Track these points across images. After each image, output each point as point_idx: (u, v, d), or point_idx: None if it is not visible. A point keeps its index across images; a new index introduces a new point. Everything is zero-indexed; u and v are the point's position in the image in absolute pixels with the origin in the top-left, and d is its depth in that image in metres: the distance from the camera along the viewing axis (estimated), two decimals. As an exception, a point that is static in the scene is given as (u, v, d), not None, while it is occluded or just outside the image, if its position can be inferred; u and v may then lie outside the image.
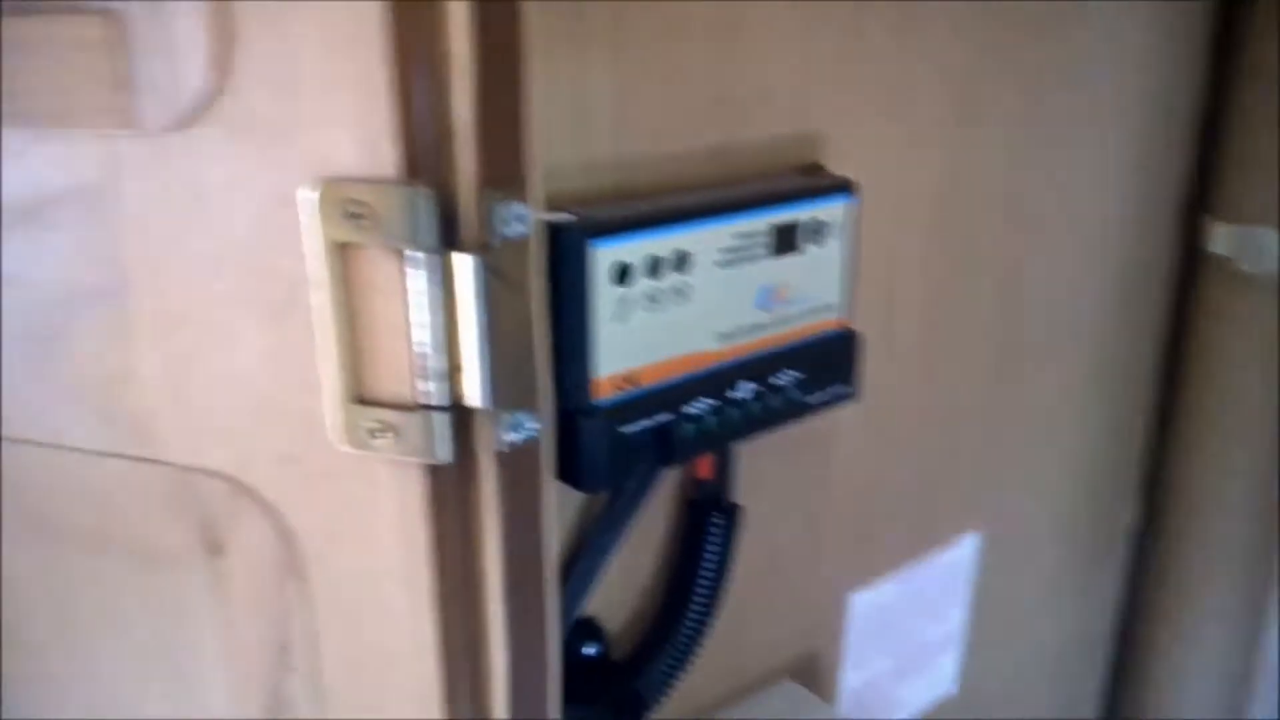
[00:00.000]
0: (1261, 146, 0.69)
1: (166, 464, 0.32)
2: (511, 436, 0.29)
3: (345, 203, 0.27)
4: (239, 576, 0.33)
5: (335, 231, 0.27)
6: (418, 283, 0.27)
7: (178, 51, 0.27)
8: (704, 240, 0.41)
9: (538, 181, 0.28)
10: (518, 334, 0.29)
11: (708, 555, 0.50)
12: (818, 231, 0.45)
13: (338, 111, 0.26)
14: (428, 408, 0.28)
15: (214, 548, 0.33)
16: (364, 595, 0.31)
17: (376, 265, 0.27)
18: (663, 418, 0.41)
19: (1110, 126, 0.67)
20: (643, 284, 0.40)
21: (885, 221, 0.54)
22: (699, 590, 0.50)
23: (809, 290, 0.46)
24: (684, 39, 0.43)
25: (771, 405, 0.45)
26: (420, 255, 0.27)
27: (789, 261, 0.45)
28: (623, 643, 0.50)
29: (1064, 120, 0.63)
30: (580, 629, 0.48)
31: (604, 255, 0.38)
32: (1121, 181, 0.70)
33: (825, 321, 0.47)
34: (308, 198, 0.27)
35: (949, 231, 0.59)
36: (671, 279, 0.41)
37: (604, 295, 0.38)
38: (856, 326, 0.49)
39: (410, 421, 0.28)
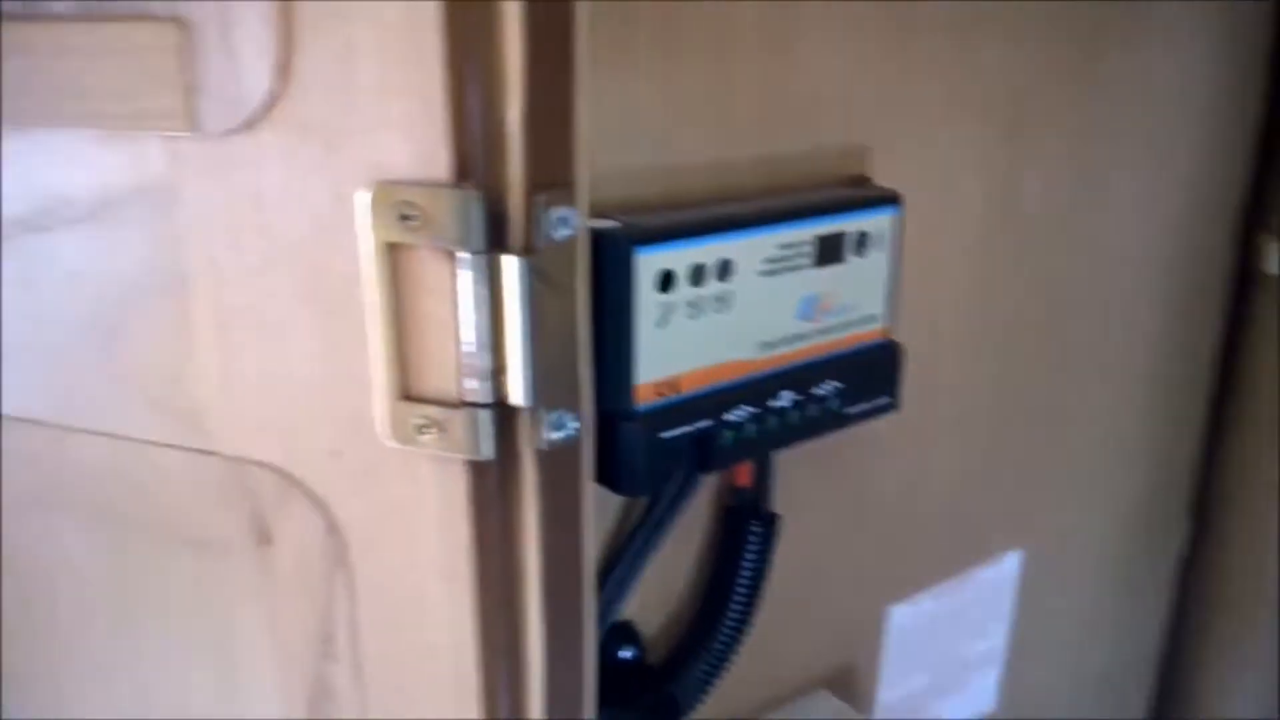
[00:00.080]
0: (1320, 165, 0.68)
1: (219, 455, 0.33)
2: (553, 435, 0.29)
3: (398, 205, 0.27)
4: (286, 566, 0.34)
5: (387, 233, 0.28)
6: (466, 283, 0.28)
7: (241, 57, 0.28)
8: (748, 249, 0.42)
9: (585, 186, 0.29)
10: (562, 335, 0.29)
11: (745, 563, 0.50)
12: (862, 243, 0.46)
13: (393, 116, 0.27)
14: (473, 405, 0.29)
15: (263, 537, 0.34)
16: (406, 588, 0.32)
17: (426, 266, 0.28)
18: (702, 424, 0.42)
19: (1164, 141, 0.66)
20: (686, 291, 0.40)
21: (932, 234, 0.54)
22: (736, 597, 0.50)
23: (852, 301, 0.46)
24: (733, 49, 0.43)
25: (811, 415, 0.45)
26: (469, 256, 0.27)
27: (832, 272, 0.45)
28: (659, 647, 0.51)
29: (1116, 134, 0.62)
30: (617, 632, 0.48)
31: (648, 262, 0.38)
32: (1175, 198, 0.69)
33: (868, 332, 0.47)
34: (362, 200, 0.28)
35: (997, 245, 0.58)
36: (714, 287, 0.41)
37: (647, 302, 0.39)
38: (900, 338, 0.49)
39: (456, 418, 0.29)
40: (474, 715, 0.33)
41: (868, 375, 0.47)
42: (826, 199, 0.45)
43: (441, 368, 0.29)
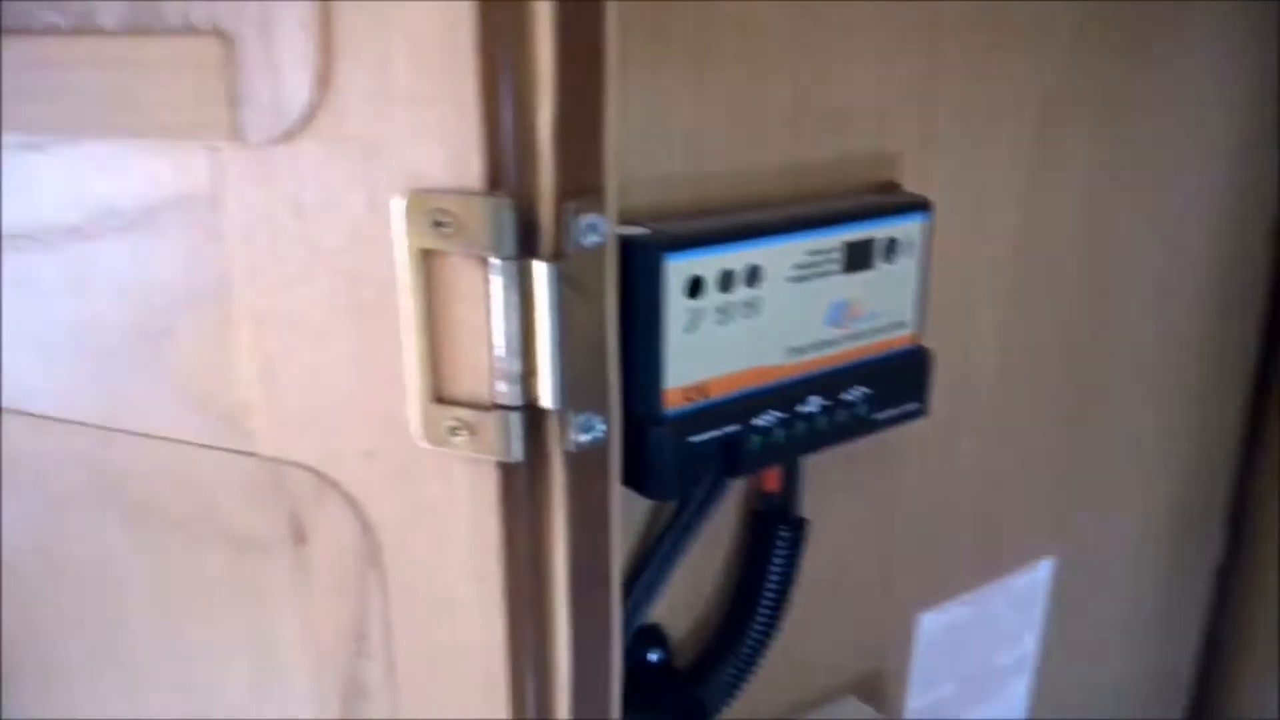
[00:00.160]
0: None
1: (258, 456, 0.34)
2: (581, 437, 0.30)
3: (432, 212, 0.28)
4: (322, 564, 0.35)
5: (422, 239, 0.29)
6: (497, 289, 0.28)
7: (283, 70, 0.29)
8: (776, 256, 0.42)
9: (614, 194, 0.29)
10: (590, 340, 0.30)
11: (773, 568, 0.50)
12: (891, 249, 0.46)
13: (428, 126, 0.28)
14: (503, 407, 0.29)
15: (300, 536, 0.35)
16: (437, 587, 0.33)
17: (459, 272, 0.29)
18: (730, 429, 0.42)
19: (1200, 143, 0.66)
20: (714, 297, 0.40)
21: (964, 240, 0.54)
22: (764, 602, 0.50)
23: (881, 307, 0.46)
24: (764, 56, 0.43)
25: (840, 420, 0.46)
26: (500, 263, 0.28)
27: (862, 278, 0.45)
28: (687, 650, 0.51)
29: (1151, 140, 0.62)
30: (645, 635, 0.49)
31: (677, 268, 0.39)
32: (1211, 201, 0.68)
33: (897, 338, 0.48)
34: (397, 207, 0.29)
35: (1029, 250, 0.58)
36: (743, 293, 0.41)
37: (676, 307, 0.39)
38: (930, 344, 0.49)
39: (487, 420, 0.29)
40: (502, 715, 0.34)
41: (896, 381, 0.47)
42: (855, 205, 0.45)
43: (473, 371, 0.30)
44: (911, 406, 0.48)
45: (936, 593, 0.63)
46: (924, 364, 0.48)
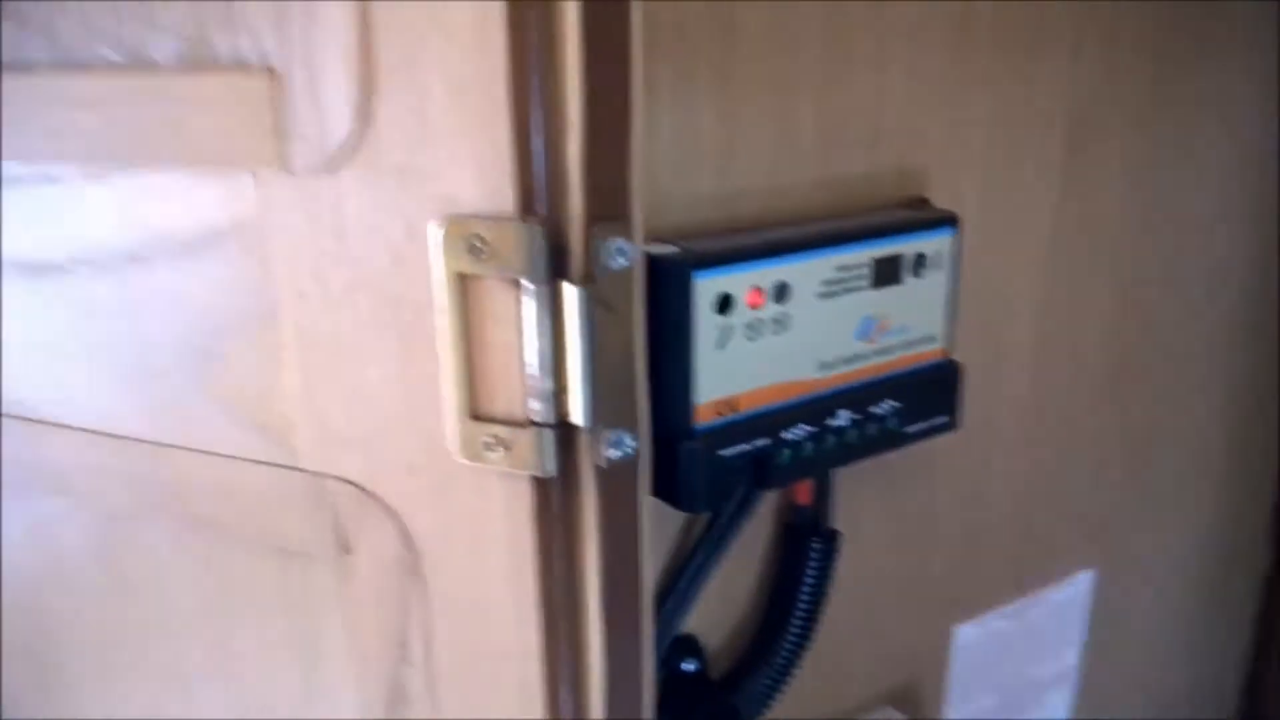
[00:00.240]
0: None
1: (303, 470, 0.36)
2: (612, 453, 0.31)
3: (467, 238, 0.29)
4: (365, 574, 0.36)
5: (458, 263, 0.30)
6: (530, 310, 0.30)
7: (326, 103, 0.31)
8: (805, 272, 0.43)
9: (640, 218, 0.30)
10: (620, 358, 0.31)
11: (806, 579, 0.51)
12: (920, 264, 0.46)
13: (463, 156, 0.29)
14: (537, 424, 0.30)
15: (344, 547, 0.36)
16: (475, 597, 0.34)
17: (493, 294, 0.30)
18: (761, 443, 0.43)
19: (1234, 154, 0.65)
20: (744, 313, 0.41)
21: (996, 250, 0.54)
22: (797, 613, 0.51)
23: (911, 321, 0.47)
24: (792, 74, 0.44)
25: (870, 434, 0.46)
26: (532, 286, 0.29)
27: (890, 293, 0.46)
28: (721, 660, 0.52)
29: (1187, 145, 0.62)
30: (680, 645, 0.50)
31: (706, 286, 0.40)
32: (1247, 212, 0.68)
33: (927, 352, 0.48)
34: (434, 233, 0.30)
35: (1061, 263, 0.58)
36: (772, 309, 0.42)
37: (706, 324, 0.40)
38: (962, 358, 0.49)
39: (521, 437, 0.31)
40: (538, 718, 0.35)
41: (926, 395, 0.48)
42: (883, 221, 0.46)
43: (508, 389, 0.31)
44: (941, 420, 0.49)
45: (974, 604, 0.63)
46: (954, 377, 0.49)
